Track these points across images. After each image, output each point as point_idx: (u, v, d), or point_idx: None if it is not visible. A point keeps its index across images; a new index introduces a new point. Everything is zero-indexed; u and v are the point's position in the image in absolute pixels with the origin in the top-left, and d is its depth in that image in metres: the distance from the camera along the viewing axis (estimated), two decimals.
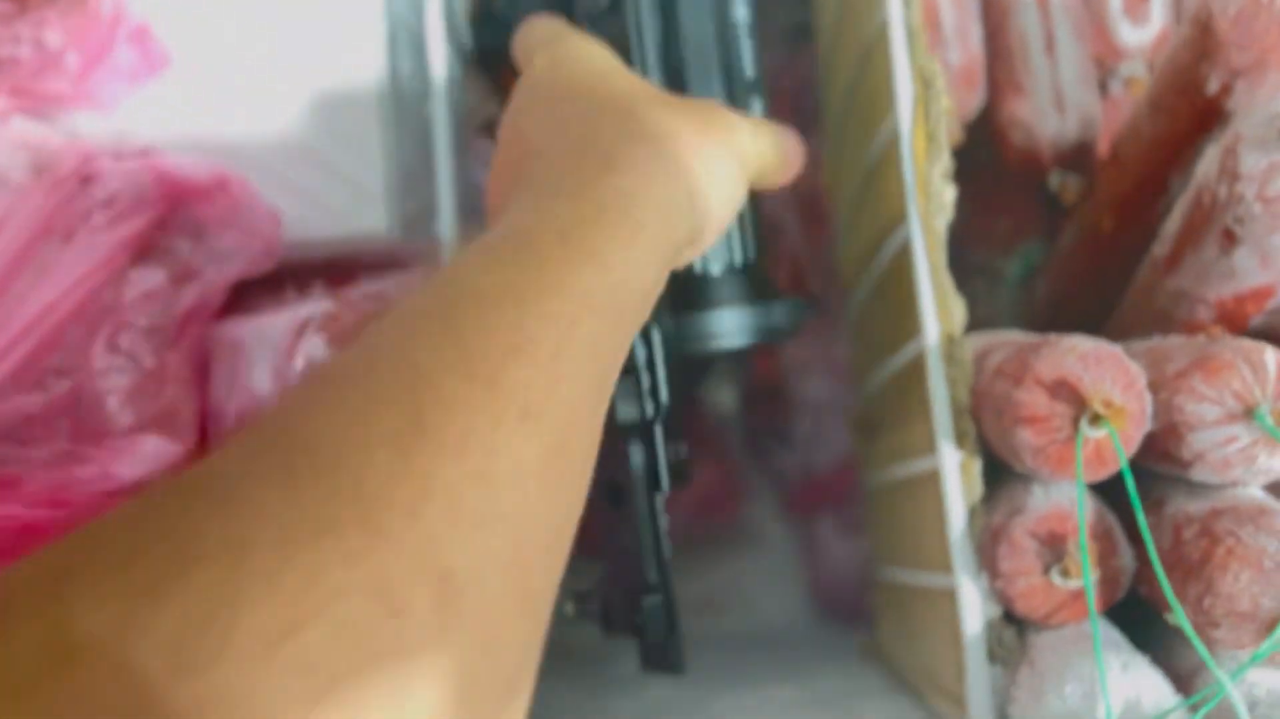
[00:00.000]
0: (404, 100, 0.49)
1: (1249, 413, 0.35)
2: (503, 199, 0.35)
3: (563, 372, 0.26)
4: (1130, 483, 0.35)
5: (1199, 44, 0.40)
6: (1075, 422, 0.36)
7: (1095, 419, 0.35)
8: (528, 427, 0.24)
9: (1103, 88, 0.55)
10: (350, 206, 0.49)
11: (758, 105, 0.48)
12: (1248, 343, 0.37)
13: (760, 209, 0.49)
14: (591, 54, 0.39)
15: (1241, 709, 0.34)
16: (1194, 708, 0.36)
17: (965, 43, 0.51)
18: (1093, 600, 0.35)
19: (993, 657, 0.40)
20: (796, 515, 0.96)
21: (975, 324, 0.63)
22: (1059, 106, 0.50)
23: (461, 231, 0.47)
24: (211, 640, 0.17)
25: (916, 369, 0.45)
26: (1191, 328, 0.44)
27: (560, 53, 0.39)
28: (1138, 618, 0.40)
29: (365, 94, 0.49)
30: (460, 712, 0.21)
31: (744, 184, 0.39)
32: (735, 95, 0.47)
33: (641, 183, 0.32)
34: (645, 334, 0.42)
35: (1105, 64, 0.53)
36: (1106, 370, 0.36)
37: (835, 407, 0.90)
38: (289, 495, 0.20)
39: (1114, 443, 0.35)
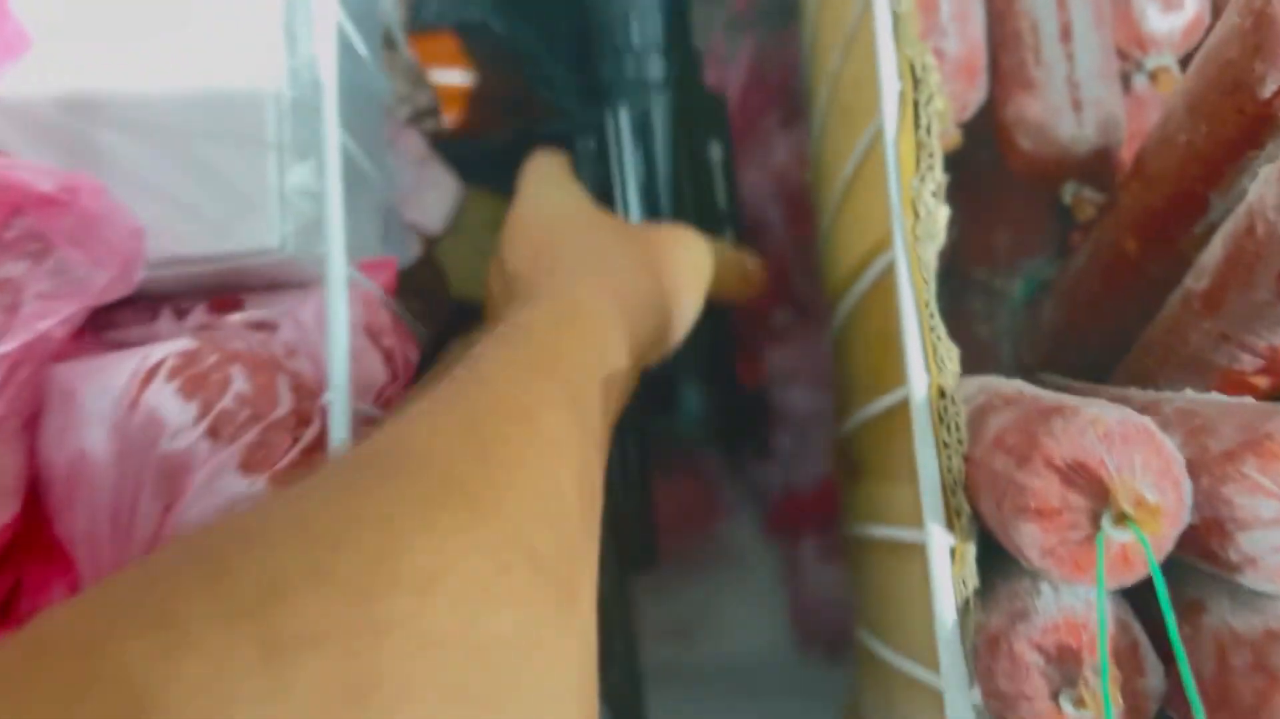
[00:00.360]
0: (305, 98, 0.41)
1: None
2: (494, 310, 0.46)
3: (579, 419, 0.33)
4: (1164, 598, 0.28)
5: (1252, 37, 0.32)
6: (1095, 518, 0.28)
7: (1121, 517, 0.28)
8: (559, 452, 0.31)
9: (1125, 82, 0.47)
10: (237, 220, 0.41)
11: (729, 232, 0.55)
12: None
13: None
14: (563, 197, 0.48)
15: None
16: None
17: (965, 29, 0.43)
18: None
19: None
20: (777, 534, 0.89)
21: (972, 349, 0.55)
22: (1075, 105, 0.42)
23: (355, 247, 0.39)
24: (384, 577, 0.22)
25: (901, 422, 0.38)
26: (1232, 379, 0.37)
27: (542, 195, 0.48)
28: None
29: (258, 91, 0.41)
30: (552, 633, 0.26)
31: (698, 293, 0.47)
32: (706, 223, 0.53)
33: (597, 292, 0.40)
34: None
35: (1128, 55, 0.46)
36: (1136, 453, 0.28)
37: (822, 418, 0.82)
38: (406, 486, 0.26)
39: (1145, 550, 0.28)
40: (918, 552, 0.37)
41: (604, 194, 0.54)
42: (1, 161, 0.38)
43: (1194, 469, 0.30)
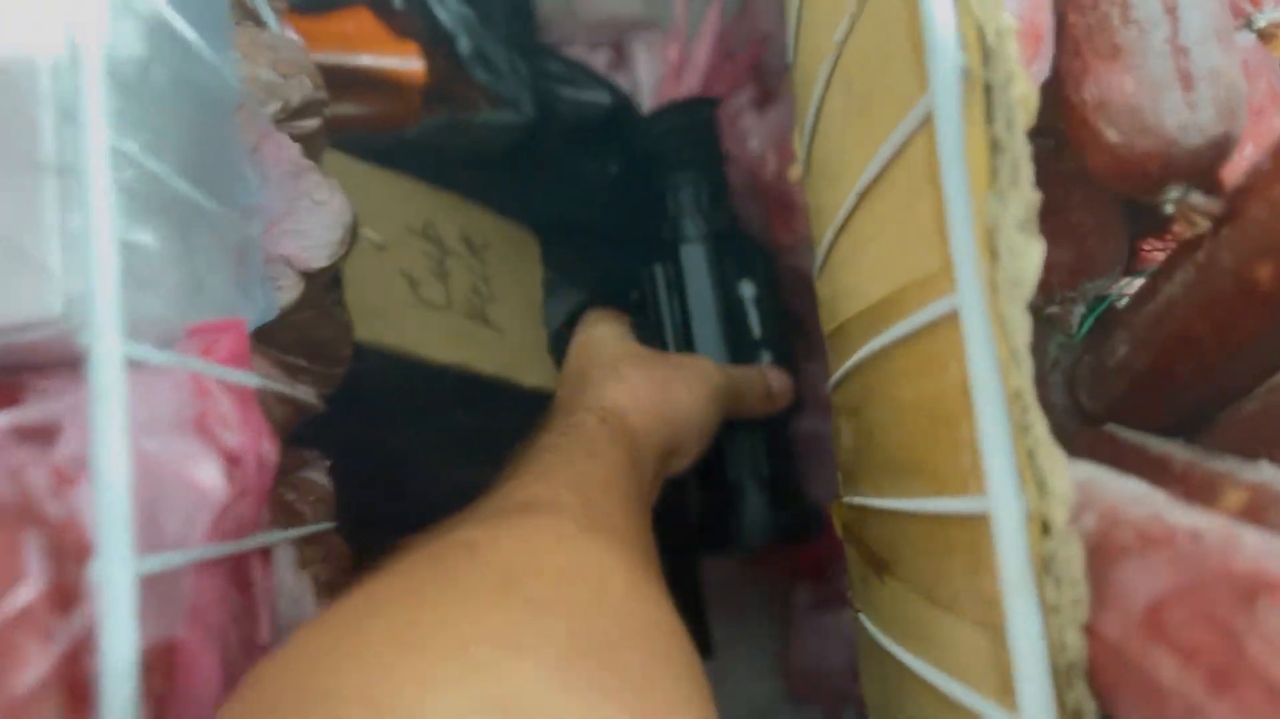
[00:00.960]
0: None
1: None
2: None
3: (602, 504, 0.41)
4: None
5: None
6: None
7: None
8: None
9: None
10: (4, 278, 0.28)
11: (766, 356, 0.63)
12: None
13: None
14: (604, 335, 0.59)
15: None
16: None
17: None
18: None
19: None
20: (772, 578, 0.77)
21: None
22: (1184, 80, 0.30)
23: (188, 306, 0.26)
24: None
25: (962, 541, 0.26)
26: None
27: (586, 334, 0.60)
28: None
29: (26, 89, 0.28)
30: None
31: (712, 412, 0.56)
32: (742, 351, 0.63)
33: (620, 402, 0.52)
34: None
35: (1236, 8, 0.34)
36: None
37: (822, 447, 0.70)
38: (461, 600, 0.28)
39: None
40: None
41: (652, 333, 0.63)
42: None
43: None
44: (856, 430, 0.41)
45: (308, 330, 0.40)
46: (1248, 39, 0.35)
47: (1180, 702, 0.19)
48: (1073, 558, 0.22)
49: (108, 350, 0.25)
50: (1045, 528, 0.23)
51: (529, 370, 0.57)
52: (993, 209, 0.23)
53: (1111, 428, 0.40)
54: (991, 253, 0.23)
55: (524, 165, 0.64)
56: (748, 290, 0.64)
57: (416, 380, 0.51)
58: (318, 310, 0.40)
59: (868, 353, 0.35)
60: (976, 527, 0.26)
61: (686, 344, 0.63)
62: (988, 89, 0.24)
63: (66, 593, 0.23)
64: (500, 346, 0.56)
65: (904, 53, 0.27)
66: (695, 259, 0.63)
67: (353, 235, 0.40)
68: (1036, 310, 0.41)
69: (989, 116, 0.24)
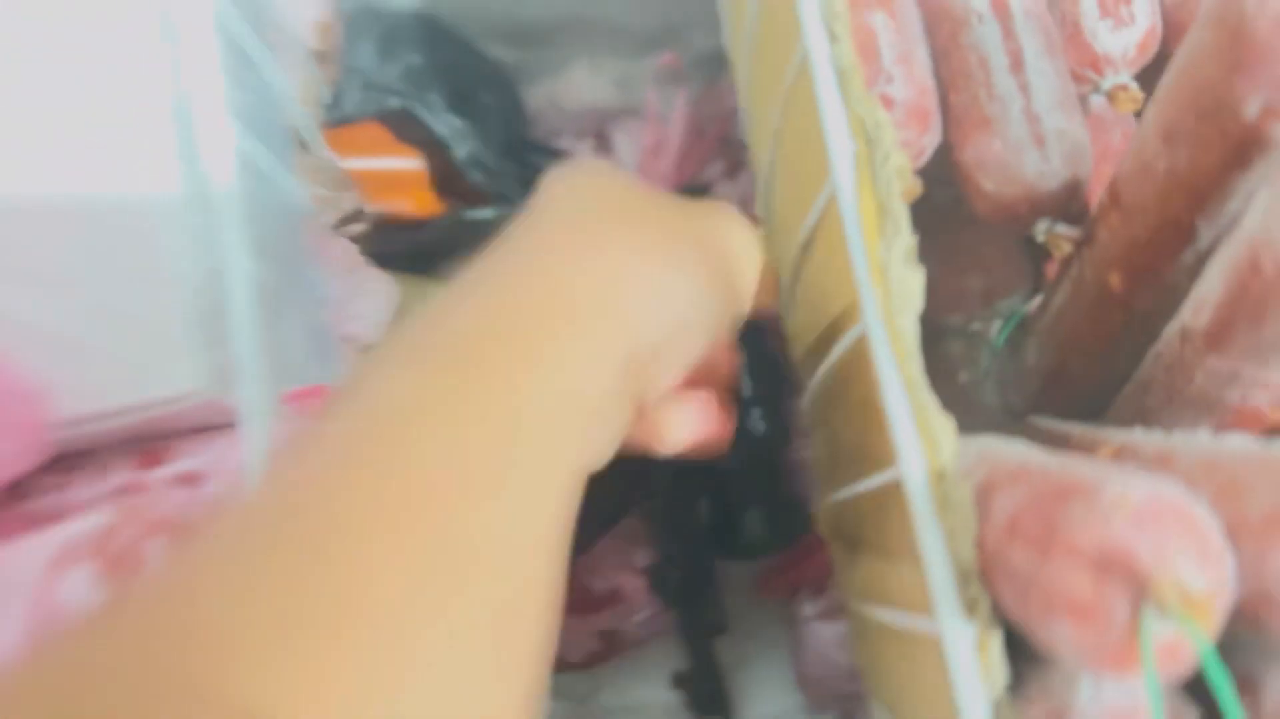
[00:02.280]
0: (209, 223, 0.38)
1: None
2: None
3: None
4: (1223, 685, 0.25)
5: (1229, 55, 0.30)
6: (1135, 609, 0.25)
7: (1164, 609, 0.24)
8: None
9: (1082, 105, 0.44)
10: (148, 365, 0.37)
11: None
12: None
13: None
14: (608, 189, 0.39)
15: None
16: None
17: (911, 71, 0.40)
18: None
19: None
20: (773, 598, 0.85)
21: (955, 396, 0.52)
22: (1037, 140, 0.39)
23: (275, 385, 0.35)
24: None
25: (895, 502, 0.34)
26: (1246, 416, 0.34)
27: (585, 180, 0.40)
28: None
29: (155, 221, 0.38)
30: None
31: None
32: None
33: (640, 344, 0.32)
34: None
35: (1083, 78, 0.43)
36: (1172, 535, 0.25)
37: (806, 467, 0.79)
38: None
39: (1198, 641, 0.24)
40: (933, 645, 0.33)
41: None
42: None
43: (1232, 535, 0.27)
44: (825, 439, 0.50)
45: None
46: (1100, 100, 0.45)
47: (1024, 573, 0.27)
48: (963, 496, 0.31)
49: (258, 408, 0.34)
50: (941, 477, 0.31)
51: None
52: (881, 253, 0.32)
53: (1035, 419, 0.48)
54: (885, 284, 0.32)
55: None
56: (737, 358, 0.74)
57: None
58: None
59: (823, 372, 0.44)
60: (899, 496, 0.34)
61: None
62: (871, 164, 0.33)
63: None
64: None
65: (814, 141, 0.36)
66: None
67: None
68: (962, 327, 0.50)
69: (875, 185, 0.33)
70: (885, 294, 0.32)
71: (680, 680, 0.82)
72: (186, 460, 0.36)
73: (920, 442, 0.32)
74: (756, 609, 0.86)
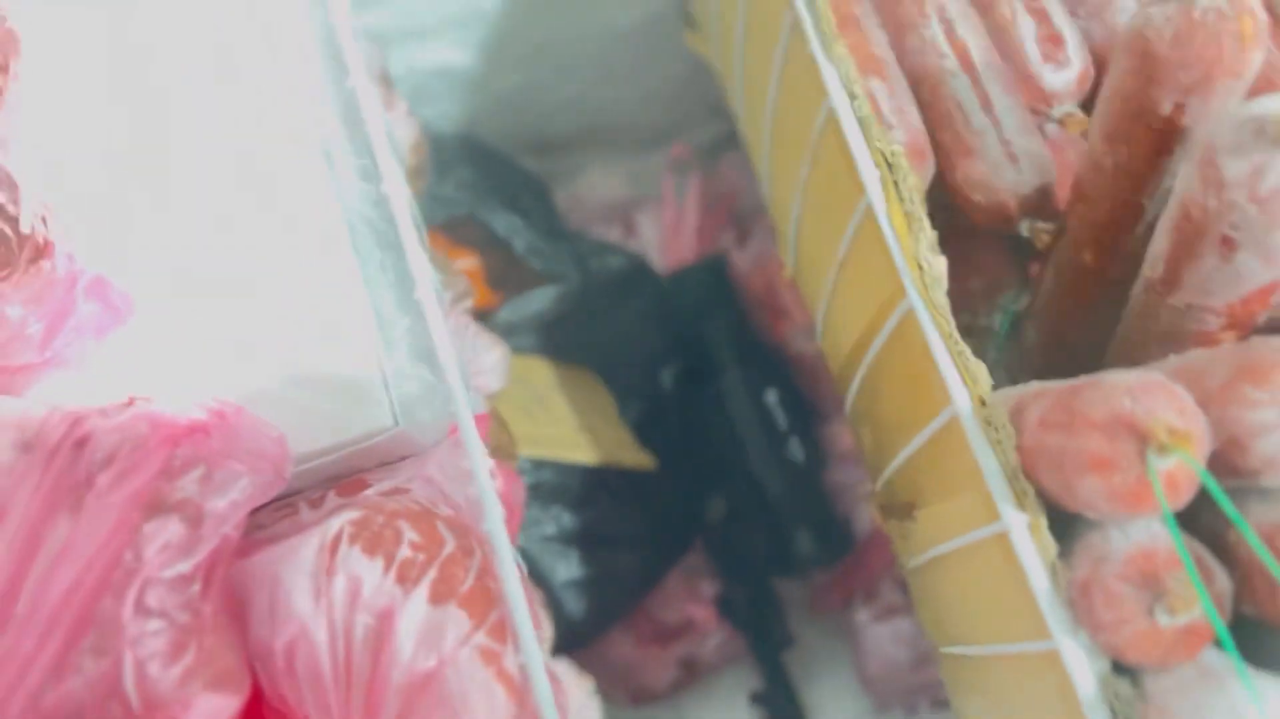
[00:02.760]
0: (377, 290, 0.49)
1: None
2: None
3: None
4: (1221, 496, 0.35)
5: (1143, 70, 0.41)
6: (1142, 456, 0.35)
7: (1162, 447, 0.35)
8: None
9: (1041, 131, 0.56)
10: (354, 410, 0.47)
11: (794, 441, 0.87)
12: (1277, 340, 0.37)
13: None
14: None
15: None
16: None
17: (905, 119, 0.52)
18: (1222, 626, 0.34)
19: (1114, 714, 0.38)
20: (828, 611, 0.94)
21: None
22: (1011, 158, 0.51)
23: (470, 409, 0.46)
24: None
25: (951, 440, 0.45)
26: (1203, 339, 0.44)
27: None
28: (1244, 639, 0.39)
29: (341, 292, 0.48)
30: None
31: None
32: (774, 445, 0.88)
33: None
34: None
35: (1038, 110, 0.55)
36: (1158, 398, 0.36)
37: (845, 488, 0.89)
38: None
39: (1189, 465, 0.35)
40: (996, 545, 0.43)
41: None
42: (152, 405, 0.44)
43: (1202, 406, 0.37)
44: (872, 427, 0.60)
45: (489, 435, 0.59)
46: (1054, 127, 0.56)
47: (1057, 449, 0.37)
48: (1002, 415, 0.41)
49: (469, 422, 0.44)
50: (983, 401, 0.42)
51: (626, 456, 0.76)
52: (911, 244, 0.43)
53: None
54: (918, 267, 0.43)
55: (575, 328, 0.84)
56: (772, 397, 0.86)
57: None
58: (494, 420, 0.60)
59: (867, 362, 0.54)
60: (951, 427, 0.44)
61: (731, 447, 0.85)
62: (895, 184, 0.44)
63: (466, 548, 0.41)
64: (597, 445, 0.75)
65: (844, 175, 0.48)
66: (735, 383, 0.85)
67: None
68: (970, 324, 0.60)
69: (900, 197, 0.44)
70: (920, 275, 0.43)
71: (757, 698, 0.90)
72: (387, 481, 0.46)
73: (963, 381, 0.42)
74: (813, 625, 0.94)
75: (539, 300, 0.79)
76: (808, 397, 0.88)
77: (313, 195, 0.50)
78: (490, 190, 0.81)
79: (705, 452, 0.86)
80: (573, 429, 0.75)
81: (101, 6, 0.52)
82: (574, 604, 0.73)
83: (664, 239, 0.92)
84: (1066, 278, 0.52)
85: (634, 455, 0.77)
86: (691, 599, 0.89)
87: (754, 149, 0.68)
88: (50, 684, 0.35)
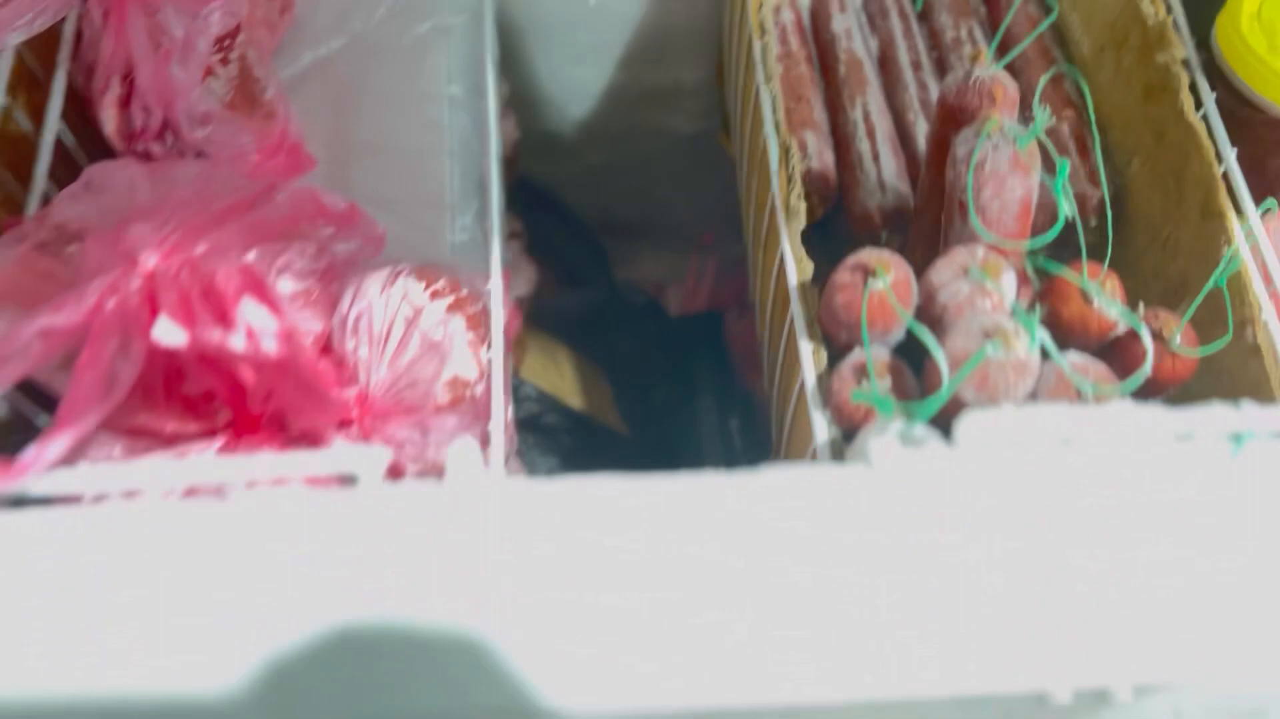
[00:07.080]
0: (460, 163, 0.78)
1: (966, 272, 0.60)
2: None
3: None
4: (914, 324, 0.59)
5: (940, 116, 0.69)
6: (865, 280, 0.61)
7: (873, 274, 0.60)
8: None
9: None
10: (426, 240, 0.76)
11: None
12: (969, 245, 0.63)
13: None
14: None
15: None
16: None
17: (823, 160, 0.80)
18: (881, 400, 0.59)
19: (835, 454, 0.62)
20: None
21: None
22: (883, 191, 0.78)
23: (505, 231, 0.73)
24: None
25: (789, 321, 0.70)
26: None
27: None
28: None
29: (438, 173, 0.78)
30: None
31: None
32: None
33: None
34: None
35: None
36: (884, 254, 0.61)
37: None
38: None
39: (888, 290, 0.60)
40: (798, 362, 0.68)
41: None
42: (319, 193, 0.73)
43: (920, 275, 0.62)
44: (770, 358, 0.85)
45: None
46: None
47: (829, 292, 0.63)
48: (814, 297, 0.67)
49: (497, 256, 0.71)
50: (804, 288, 0.68)
51: (611, 420, 1.01)
52: (787, 195, 0.70)
53: None
54: (787, 209, 0.70)
55: (598, 334, 1.11)
56: (734, 424, 1.10)
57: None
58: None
59: (769, 290, 0.80)
60: (790, 301, 0.70)
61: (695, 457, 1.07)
62: (786, 182, 0.72)
63: (475, 298, 0.67)
64: (590, 403, 1.01)
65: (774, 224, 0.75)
66: (708, 409, 1.10)
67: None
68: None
69: (787, 189, 0.72)
70: (787, 211, 0.70)
71: None
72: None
73: (797, 268, 0.68)
74: None
75: (569, 298, 1.07)
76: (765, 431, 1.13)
77: (436, 119, 0.80)
78: (555, 218, 1.10)
79: (674, 456, 1.10)
80: (574, 386, 1.01)
81: None
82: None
83: (681, 300, 1.20)
84: (917, 257, 0.78)
85: (617, 421, 1.02)
86: None
87: (745, 234, 0.97)
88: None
